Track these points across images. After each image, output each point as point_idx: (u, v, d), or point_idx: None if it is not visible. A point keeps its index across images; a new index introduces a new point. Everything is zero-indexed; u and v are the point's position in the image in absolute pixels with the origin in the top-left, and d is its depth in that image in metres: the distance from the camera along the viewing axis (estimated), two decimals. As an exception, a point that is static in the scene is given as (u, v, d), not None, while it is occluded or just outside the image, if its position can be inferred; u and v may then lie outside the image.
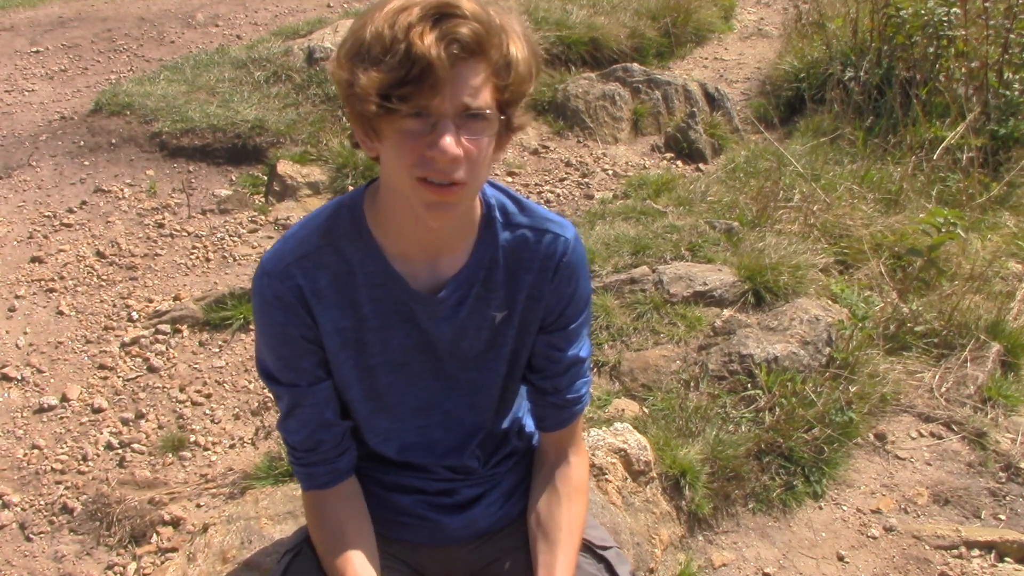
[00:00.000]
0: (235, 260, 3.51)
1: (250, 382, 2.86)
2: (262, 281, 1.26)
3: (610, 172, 4.41)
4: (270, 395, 2.79)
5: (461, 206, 1.18)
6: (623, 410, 2.50)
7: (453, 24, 1.04)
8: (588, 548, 1.44)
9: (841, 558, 2.29)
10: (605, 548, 1.47)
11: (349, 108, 1.12)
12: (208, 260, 3.51)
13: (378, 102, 1.05)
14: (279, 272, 1.25)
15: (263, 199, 3.93)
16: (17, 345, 3.00)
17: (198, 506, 2.39)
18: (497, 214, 1.31)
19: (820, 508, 2.44)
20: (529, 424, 1.55)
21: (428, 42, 1.02)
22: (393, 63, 1.03)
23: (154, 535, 2.30)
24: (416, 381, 1.37)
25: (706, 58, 5.96)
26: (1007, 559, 2.28)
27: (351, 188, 3.87)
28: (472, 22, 1.05)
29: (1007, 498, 2.48)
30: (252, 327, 3.08)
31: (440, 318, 1.31)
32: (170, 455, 2.56)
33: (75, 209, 3.80)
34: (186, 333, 3.05)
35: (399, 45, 1.03)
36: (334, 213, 1.28)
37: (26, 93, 4.88)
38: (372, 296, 1.29)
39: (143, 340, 3.01)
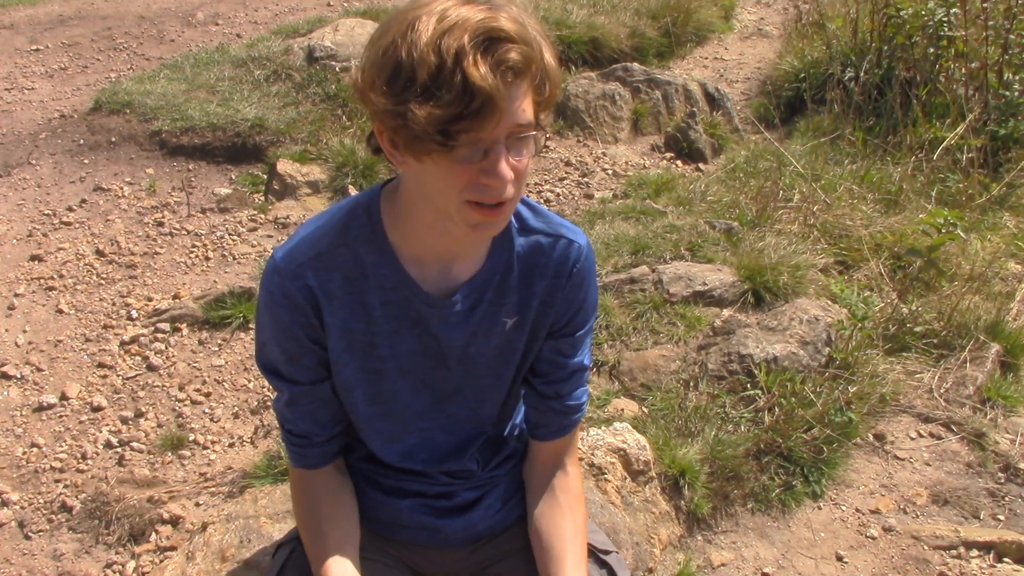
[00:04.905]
0: (235, 259, 3.51)
1: (249, 381, 2.85)
2: (272, 279, 1.25)
3: (610, 172, 4.41)
4: (270, 394, 2.79)
5: (506, 222, 1.19)
6: (622, 410, 2.50)
7: (504, 50, 1.01)
8: (591, 553, 1.44)
9: (840, 558, 2.29)
10: (607, 553, 1.47)
11: (390, 132, 1.07)
12: (208, 259, 3.51)
13: (439, 139, 1.01)
14: (291, 271, 1.24)
15: (263, 198, 3.92)
16: (16, 343, 3.00)
17: (197, 505, 2.39)
18: (512, 219, 1.30)
19: (819, 508, 2.44)
20: None
21: (484, 72, 0.99)
22: (451, 98, 0.99)
23: (153, 534, 2.30)
24: (421, 387, 1.37)
25: (706, 58, 5.96)
26: (1006, 559, 2.28)
27: (351, 187, 3.89)
28: (520, 45, 1.02)
29: (1006, 498, 2.48)
30: (251, 326, 3.08)
31: (451, 323, 1.30)
32: (169, 454, 2.56)
33: (75, 207, 3.80)
34: (185, 332, 3.05)
35: (454, 77, 0.99)
36: (351, 212, 1.27)
37: (26, 91, 4.88)
38: (383, 299, 1.28)
39: (142, 339, 3.01)
